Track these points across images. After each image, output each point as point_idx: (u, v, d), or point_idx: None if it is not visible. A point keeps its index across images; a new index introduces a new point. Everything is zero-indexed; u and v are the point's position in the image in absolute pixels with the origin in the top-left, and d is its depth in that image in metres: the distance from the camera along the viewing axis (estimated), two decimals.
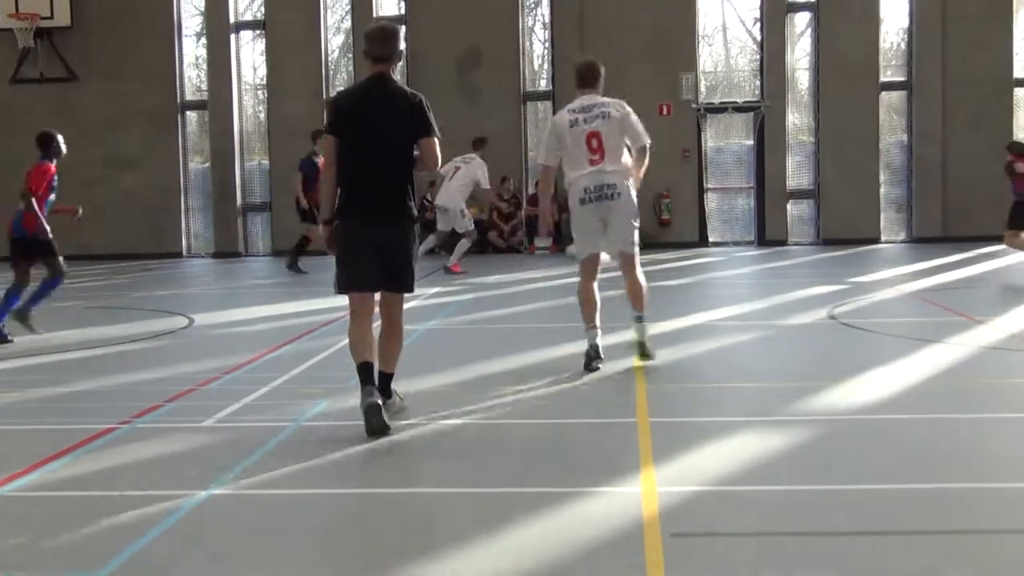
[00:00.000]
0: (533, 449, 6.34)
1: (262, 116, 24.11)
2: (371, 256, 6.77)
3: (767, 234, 22.72)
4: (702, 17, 23.26)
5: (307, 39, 23.21)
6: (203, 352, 10.26)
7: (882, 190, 22.73)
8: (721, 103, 23.16)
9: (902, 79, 22.80)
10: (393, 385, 7.12)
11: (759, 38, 23.17)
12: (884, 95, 22.80)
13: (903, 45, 23.22)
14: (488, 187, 17.86)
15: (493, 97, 22.70)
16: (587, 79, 9.09)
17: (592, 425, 6.88)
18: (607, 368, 8.57)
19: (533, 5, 24.10)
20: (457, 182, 17.22)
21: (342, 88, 22.83)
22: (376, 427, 6.49)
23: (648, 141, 8.75)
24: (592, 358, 8.57)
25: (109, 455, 6.31)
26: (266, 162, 23.73)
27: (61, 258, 11.48)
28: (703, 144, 22.90)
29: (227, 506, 5.30)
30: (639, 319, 8.84)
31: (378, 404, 6.55)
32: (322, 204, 7.06)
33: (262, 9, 23.85)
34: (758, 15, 23.16)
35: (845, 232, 22.02)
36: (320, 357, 9.50)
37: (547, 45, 23.76)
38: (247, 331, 11.58)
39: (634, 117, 8.79)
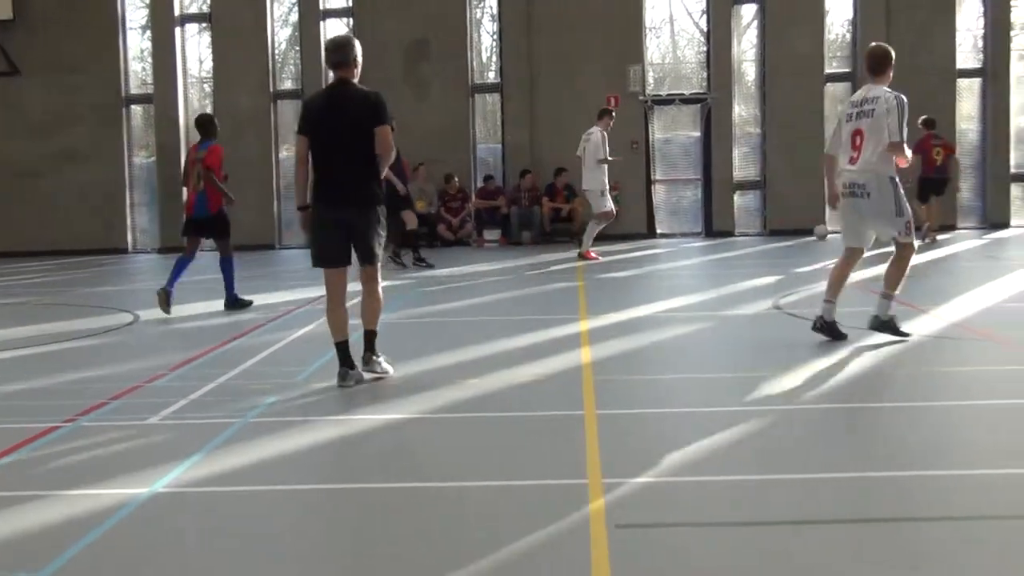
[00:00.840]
0: (480, 443, 6.35)
1: (208, 109, 23.91)
2: (341, 236, 7.90)
3: (714, 225, 22.86)
4: (649, 9, 23.36)
5: (253, 32, 23.07)
6: (149, 349, 10.20)
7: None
8: (668, 95, 23.26)
9: (847, 71, 23.00)
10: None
11: (706, 30, 23.28)
12: (829, 87, 22.99)
13: (848, 37, 23.43)
14: (606, 156, 17.59)
15: (441, 89, 22.69)
16: (872, 67, 9.32)
17: (539, 418, 6.90)
18: (555, 361, 8.61)
19: None
20: (588, 162, 17.51)
21: (289, 83, 22.86)
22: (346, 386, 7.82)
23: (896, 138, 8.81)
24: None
25: (53, 454, 6.25)
26: None
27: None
28: (651, 136, 23.01)
29: (172, 504, 5.27)
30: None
31: (350, 373, 7.88)
32: (296, 193, 8.17)
33: (208, 1, 23.67)
34: (704, 7, 23.27)
35: (791, 223, 22.18)
36: (269, 352, 9.47)
37: (495, 38, 23.75)
38: (194, 327, 11.50)
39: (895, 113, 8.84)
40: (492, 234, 22.49)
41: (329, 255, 7.99)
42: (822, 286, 13.10)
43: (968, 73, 23.17)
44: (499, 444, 6.31)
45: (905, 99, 8.93)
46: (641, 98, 22.69)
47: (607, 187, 17.78)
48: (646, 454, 5.81)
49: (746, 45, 23.76)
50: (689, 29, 24.59)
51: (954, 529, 4.65)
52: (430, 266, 16.97)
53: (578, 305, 12.27)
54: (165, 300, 12.05)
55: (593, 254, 17.60)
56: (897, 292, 9.10)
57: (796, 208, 22.37)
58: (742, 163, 23.23)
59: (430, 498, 5.30)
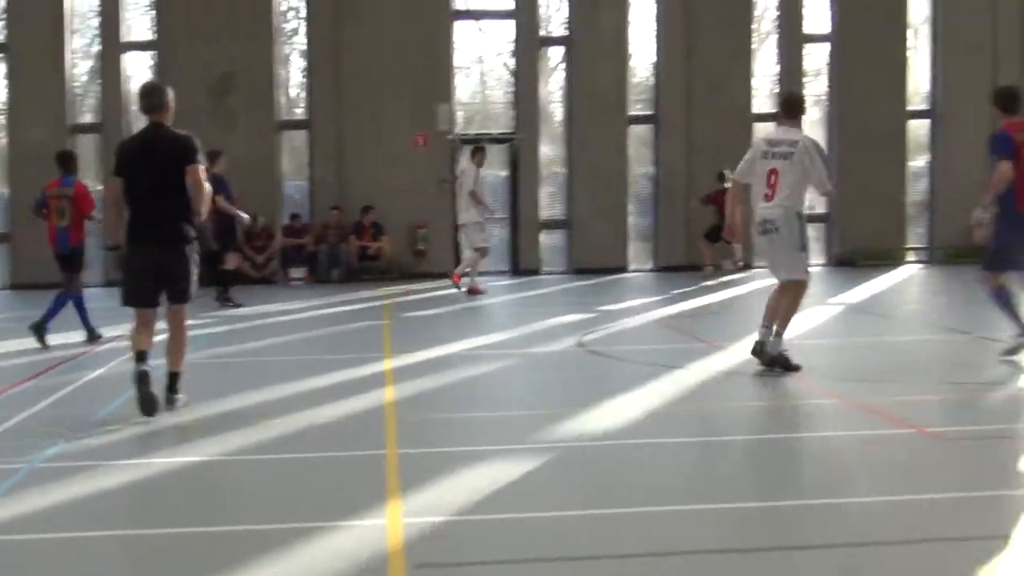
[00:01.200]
0: (279, 484, 6.27)
1: (2, 142, 23.06)
2: (151, 275, 8.04)
3: (521, 263, 23.11)
4: (458, 48, 23.56)
5: (51, 64, 22.31)
6: None
7: (631, 220, 23.47)
8: (477, 134, 23.46)
9: (649, 112, 23.62)
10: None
11: (514, 70, 23.61)
12: (633, 128, 23.57)
13: (652, 79, 24.08)
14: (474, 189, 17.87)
15: (248, 124, 22.34)
16: (787, 111, 9.80)
17: (340, 459, 6.85)
18: (359, 401, 8.57)
19: (290, 33, 23.92)
20: (463, 197, 17.94)
21: (90, 117, 22.30)
22: (144, 393, 7.81)
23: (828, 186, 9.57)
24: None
25: None
26: (4, 190, 22.69)
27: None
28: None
29: None
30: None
31: (146, 371, 7.85)
32: (106, 233, 8.57)
33: (3, 32, 22.84)
34: (512, 47, 23.61)
35: (596, 261, 22.58)
36: (63, 393, 9.15)
37: (304, 74, 23.59)
38: None
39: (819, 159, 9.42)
40: (298, 272, 22.24)
41: (139, 294, 8.13)
42: (625, 323, 13.37)
43: (764, 117, 24.06)
44: (300, 485, 6.23)
45: (818, 141, 9.67)
46: (449, 137, 22.83)
47: (483, 221, 18.09)
48: (447, 493, 5.83)
49: (553, 86, 24.20)
50: (497, 69, 24.92)
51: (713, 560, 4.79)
52: (237, 305, 16.60)
53: (383, 344, 12.24)
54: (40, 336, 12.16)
55: (481, 287, 17.88)
56: (786, 328, 9.47)
57: (601, 247, 22.79)
58: (548, 202, 23.58)
59: (230, 542, 5.19)
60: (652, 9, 23.73)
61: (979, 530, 5.06)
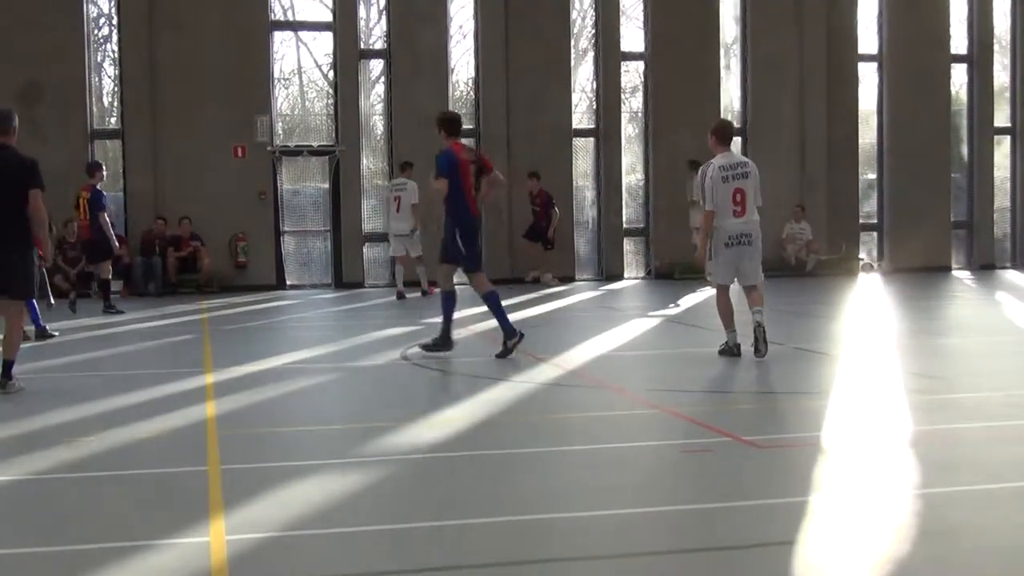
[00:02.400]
0: (95, 503, 6.06)
1: None
2: None
3: (344, 276, 22.93)
4: (278, 59, 23.30)
5: None
6: None
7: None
8: (297, 146, 23.22)
9: (471, 127, 23.73)
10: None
11: (334, 82, 23.44)
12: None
13: (472, 94, 24.22)
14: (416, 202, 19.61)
15: (58, 134, 21.60)
16: (724, 138, 11.13)
17: (159, 475, 6.65)
18: (178, 416, 8.36)
19: (102, 41, 23.26)
20: (404, 208, 19.58)
21: None
22: None
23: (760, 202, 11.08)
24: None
25: None
26: None
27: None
28: (279, 186, 22.85)
29: None
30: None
31: None
32: None
33: None
34: (332, 60, 23.45)
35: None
36: None
37: (117, 82, 22.95)
38: None
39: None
40: (114, 285, 21.56)
41: None
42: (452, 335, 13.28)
43: (583, 133, 24.48)
44: (117, 504, 6.03)
45: None
46: (269, 148, 22.53)
47: (418, 229, 19.75)
48: (271, 508, 5.72)
49: (374, 99, 24.11)
50: (318, 81, 24.73)
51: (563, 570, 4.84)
52: (120, 312, 17.21)
53: (203, 358, 11.99)
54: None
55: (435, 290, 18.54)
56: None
57: (426, 260, 22.74)
58: (371, 215, 23.47)
59: (44, 564, 4.99)
60: (471, 25, 23.90)
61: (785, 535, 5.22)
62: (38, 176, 9.38)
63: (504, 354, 11.15)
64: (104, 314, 16.88)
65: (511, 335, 11.22)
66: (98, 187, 16.99)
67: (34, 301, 12.73)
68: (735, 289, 11.10)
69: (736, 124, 25.05)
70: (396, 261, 20.50)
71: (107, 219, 16.97)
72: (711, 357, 10.98)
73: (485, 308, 11.77)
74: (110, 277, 17.69)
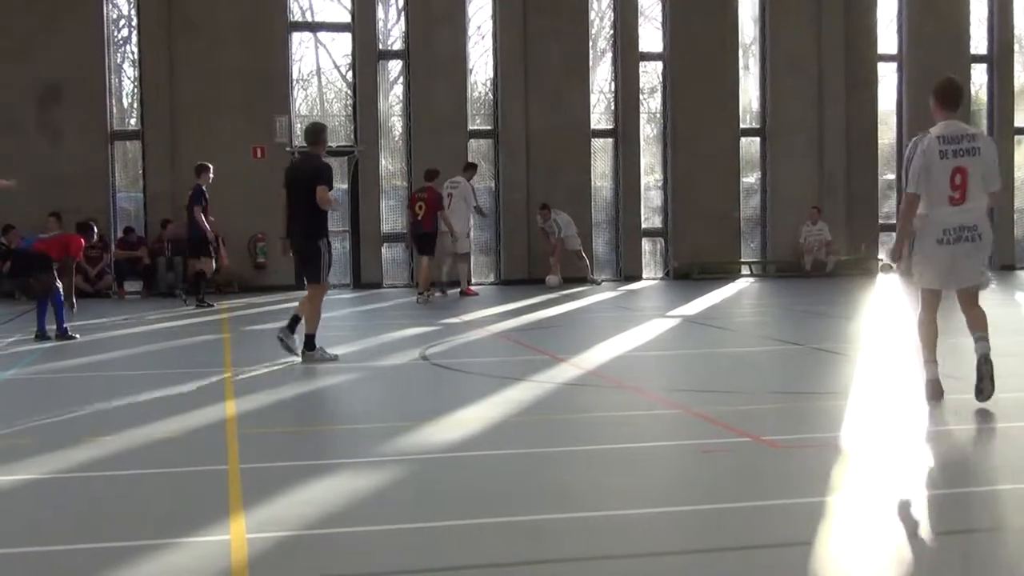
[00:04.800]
0: (116, 501, 6.08)
1: None
2: None
3: (363, 277, 22.99)
4: (297, 61, 23.37)
5: None
6: None
7: (472, 234, 23.53)
8: None
9: (489, 127, 23.77)
10: None
11: (353, 83, 23.49)
12: (473, 142, 23.68)
13: (490, 95, 24.24)
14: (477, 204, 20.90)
15: (77, 135, 21.73)
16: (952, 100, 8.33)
17: (179, 474, 6.68)
18: (199, 415, 8.39)
19: (122, 42, 23.37)
20: (456, 208, 19.87)
21: None
22: None
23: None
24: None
25: None
26: None
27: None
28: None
29: None
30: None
31: None
32: None
33: None
34: (351, 61, 23.50)
35: (438, 274, 22.56)
36: None
37: (136, 84, 23.06)
38: None
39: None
40: (134, 285, 21.70)
41: None
42: (469, 336, 13.38)
43: (601, 133, 24.47)
44: (138, 502, 6.06)
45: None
46: (288, 149, 22.57)
47: (470, 230, 20.62)
48: (291, 507, 5.73)
49: (393, 100, 24.15)
50: (337, 82, 24.77)
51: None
52: (211, 305, 18.24)
53: (223, 357, 12.02)
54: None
55: (473, 289, 20.35)
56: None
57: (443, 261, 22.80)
58: (389, 215, 23.51)
59: (65, 562, 5.02)
60: (489, 26, 23.92)
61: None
62: (324, 176, 10.91)
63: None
64: (197, 308, 17.96)
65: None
66: (203, 187, 18.05)
67: (61, 301, 13.27)
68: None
69: (755, 124, 25.06)
70: (460, 260, 20.74)
71: (201, 215, 17.95)
72: (729, 357, 10.96)
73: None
74: (206, 271, 18.61)
